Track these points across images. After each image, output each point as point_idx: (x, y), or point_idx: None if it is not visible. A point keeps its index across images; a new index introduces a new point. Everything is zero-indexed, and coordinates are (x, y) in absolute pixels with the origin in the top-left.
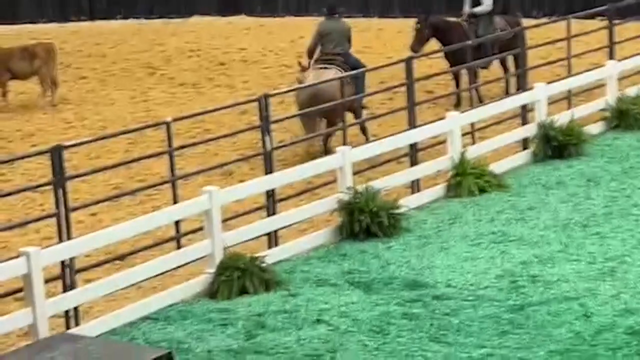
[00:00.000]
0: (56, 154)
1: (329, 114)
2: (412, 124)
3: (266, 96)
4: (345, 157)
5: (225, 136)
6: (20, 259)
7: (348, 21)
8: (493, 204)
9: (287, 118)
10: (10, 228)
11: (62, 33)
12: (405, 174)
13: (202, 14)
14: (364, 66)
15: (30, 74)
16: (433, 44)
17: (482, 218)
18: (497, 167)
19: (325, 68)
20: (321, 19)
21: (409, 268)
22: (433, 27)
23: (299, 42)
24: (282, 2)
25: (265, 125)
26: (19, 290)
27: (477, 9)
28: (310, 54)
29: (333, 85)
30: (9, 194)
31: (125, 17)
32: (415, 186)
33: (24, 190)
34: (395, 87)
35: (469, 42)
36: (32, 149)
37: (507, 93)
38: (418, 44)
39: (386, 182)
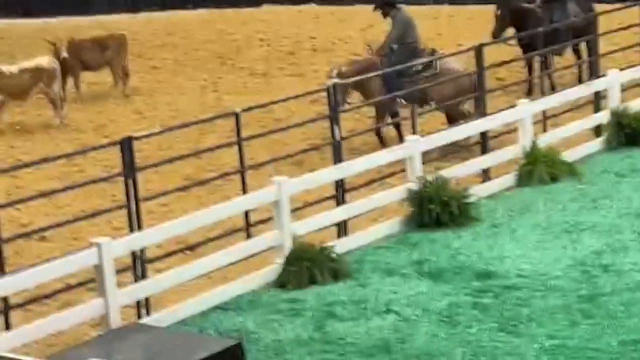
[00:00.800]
0: (127, 145)
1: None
2: (483, 112)
3: (336, 85)
4: (414, 146)
5: (295, 126)
6: (91, 249)
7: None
8: (565, 192)
9: (357, 107)
10: (82, 219)
11: (133, 24)
12: (476, 163)
13: (273, 2)
14: None
15: (102, 65)
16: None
17: (553, 207)
18: (569, 155)
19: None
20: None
21: (479, 258)
22: (513, 12)
23: (369, 30)
24: None
25: (334, 115)
26: (91, 280)
27: None
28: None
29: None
30: (81, 185)
31: (196, 7)
32: (485, 175)
33: (96, 181)
34: (466, 74)
35: (543, 28)
36: (103, 140)
37: (579, 80)
38: (499, 29)
39: (456, 171)
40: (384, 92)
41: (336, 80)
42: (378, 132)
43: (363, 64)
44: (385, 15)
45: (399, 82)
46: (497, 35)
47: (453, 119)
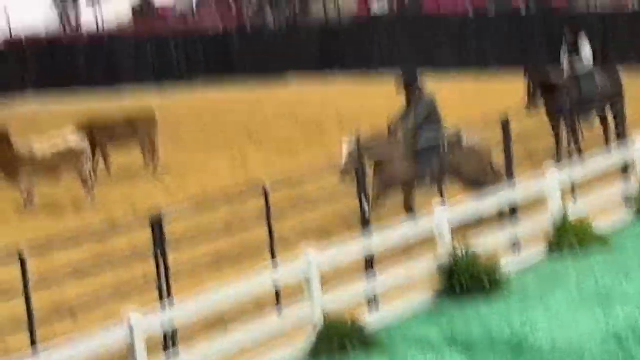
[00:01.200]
0: (157, 221)
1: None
2: (511, 182)
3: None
4: (444, 217)
5: (323, 199)
6: (123, 325)
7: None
8: (596, 262)
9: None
10: (113, 296)
11: (163, 102)
12: (505, 233)
13: (300, 78)
14: None
15: (132, 144)
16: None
17: (585, 277)
18: (599, 224)
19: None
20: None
21: (511, 329)
22: (542, 83)
23: (396, 101)
24: (376, 63)
25: (362, 188)
26: (123, 357)
27: (579, 65)
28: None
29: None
30: (112, 262)
31: (224, 85)
32: (515, 245)
33: (127, 258)
34: (493, 145)
35: (571, 98)
36: (134, 217)
37: (608, 148)
38: (531, 100)
39: (486, 241)
40: (402, 172)
41: (353, 147)
42: (408, 208)
43: (384, 142)
44: (408, 92)
45: (429, 161)
46: (530, 106)
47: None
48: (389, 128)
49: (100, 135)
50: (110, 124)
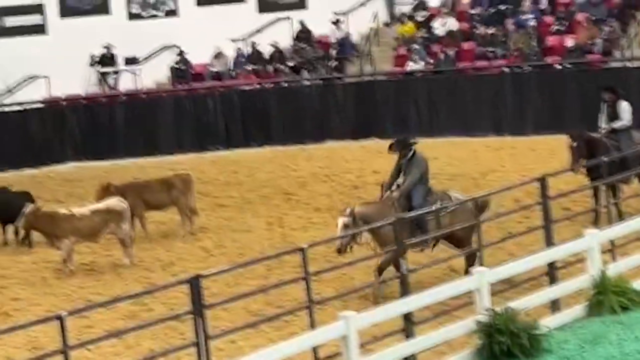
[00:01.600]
0: (195, 283)
1: None
2: (550, 243)
3: (399, 219)
4: (482, 278)
5: (361, 260)
6: None
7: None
8: (637, 322)
9: (421, 240)
10: (151, 358)
11: (200, 163)
12: (545, 294)
13: (336, 138)
14: None
15: (168, 205)
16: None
17: (626, 337)
18: (639, 284)
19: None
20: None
21: None
22: (586, 143)
23: (432, 162)
24: (414, 124)
25: (399, 249)
26: None
27: (617, 125)
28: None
29: None
30: (151, 324)
31: (261, 145)
32: (555, 305)
33: (165, 320)
34: (530, 205)
35: (610, 157)
36: (172, 279)
37: None
38: (576, 162)
39: (525, 302)
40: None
41: (347, 219)
42: (381, 269)
43: (378, 207)
44: (403, 155)
45: (423, 223)
46: (575, 167)
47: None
48: (382, 189)
49: (134, 196)
50: (144, 186)
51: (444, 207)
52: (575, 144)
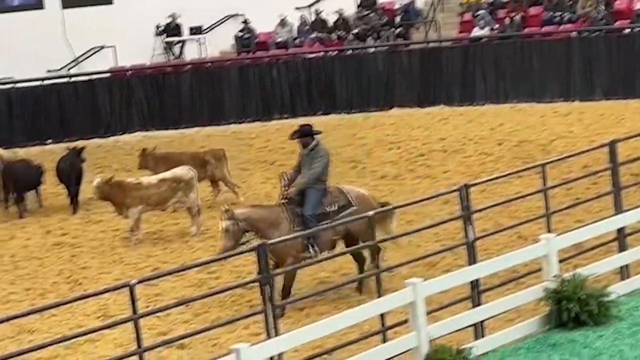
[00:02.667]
0: (262, 251)
1: None
2: (619, 209)
3: (467, 186)
4: (550, 245)
5: (427, 227)
6: (230, 356)
7: None
8: None
9: (489, 207)
10: (220, 326)
11: (265, 131)
12: (614, 260)
13: (401, 106)
14: None
15: (202, 179)
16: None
17: None
18: None
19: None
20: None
21: (622, 358)
22: None
23: (499, 129)
24: (481, 91)
25: (467, 215)
26: None
27: None
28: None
29: None
30: (219, 292)
31: (326, 113)
32: (624, 272)
33: (233, 288)
34: (599, 171)
35: None
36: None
37: None
38: None
39: (594, 269)
40: (289, 242)
41: (227, 223)
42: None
43: (266, 212)
44: (305, 145)
45: (317, 228)
46: None
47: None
48: (280, 180)
49: (166, 167)
50: (177, 160)
51: (340, 210)
52: None
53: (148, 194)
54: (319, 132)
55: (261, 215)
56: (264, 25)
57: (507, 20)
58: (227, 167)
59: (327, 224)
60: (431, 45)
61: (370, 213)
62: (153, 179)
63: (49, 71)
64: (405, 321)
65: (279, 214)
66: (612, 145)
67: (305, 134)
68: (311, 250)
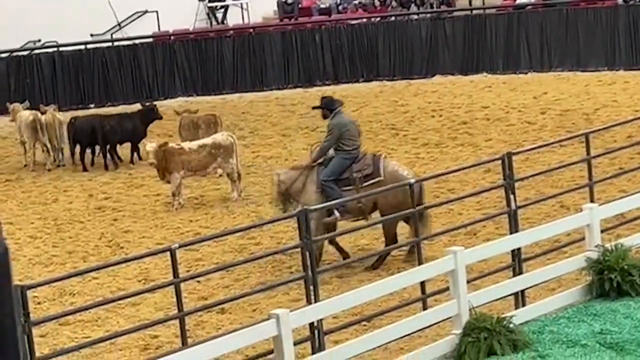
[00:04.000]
0: (303, 216)
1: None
2: None
3: (509, 154)
4: (593, 214)
5: (469, 195)
6: (270, 321)
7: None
8: None
9: (531, 176)
10: (260, 291)
11: (307, 97)
12: None
13: (444, 73)
14: None
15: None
16: None
17: None
18: None
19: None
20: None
21: None
22: None
23: (543, 97)
24: (525, 59)
25: (509, 184)
26: (270, 352)
27: None
28: (324, 153)
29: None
30: (260, 257)
31: (368, 80)
32: None
33: (274, 253)
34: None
35: None
36: (279, 213)
37: None
38: None
39: (637, 239)
40: (320, 202)
41: (274, 186)
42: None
43: (298, 172)
44: (324, 117)
45: (337, 193)
46: None
47: (388, 238)
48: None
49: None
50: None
51: (365, 179)
52: None
53: (189, 159)
54: (335, 106)
55: (291, 177)
56: None
57: None
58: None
59: (350, 189)
60: (475, 12)
61: (381, 189)
62: (194, 144)
63: (92, 35)
64: (446, 289)
65: (306, 177)
66: None
67: (322, 107)
68: (335, 214)
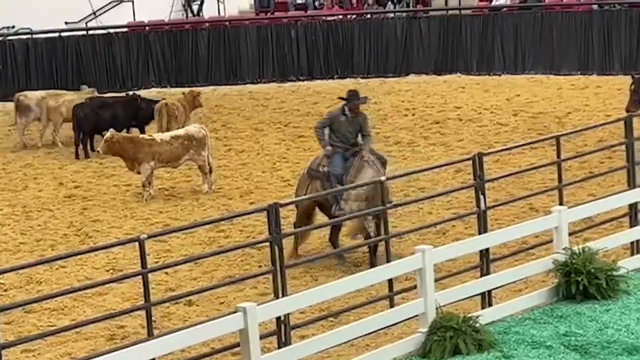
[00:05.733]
0: (273, 211)
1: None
2: (632, 184)
3: (480, 155)
4: (561, 217)
5: (439, 195)
6: (237, 314)
7: None
8: None
9: (502, 177)
10: (228, 284)
11: (280, 92)
12: (625, 235)
13: (418, 72)
14: None
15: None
16: None
17: None
18: None
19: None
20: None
21: (628, 332)
22: None
23: (515, 100)
24: (499, 61)
25: (479, 185)
26: (236, 345)
27: None
28: None
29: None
30: (228, 250)
31: (342, 77)
32: (634, 247)
33: (243, 247)
34: (614, 145)
35: None
36: (250, 207)
37: None
38: (633, 104)
39: (604, 243)
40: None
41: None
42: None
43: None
44: (354, 109)
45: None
46: (630, 109)
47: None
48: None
49: None
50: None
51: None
52: (634, 87)
53: (160, 150)
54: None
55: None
56: None
57: None
58: (178, 123)
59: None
60: (451, 12)
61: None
62: (165, 135)
63: (67, 23)
64: (413, 287)
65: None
66: (628, 119)
67: (348, 99)
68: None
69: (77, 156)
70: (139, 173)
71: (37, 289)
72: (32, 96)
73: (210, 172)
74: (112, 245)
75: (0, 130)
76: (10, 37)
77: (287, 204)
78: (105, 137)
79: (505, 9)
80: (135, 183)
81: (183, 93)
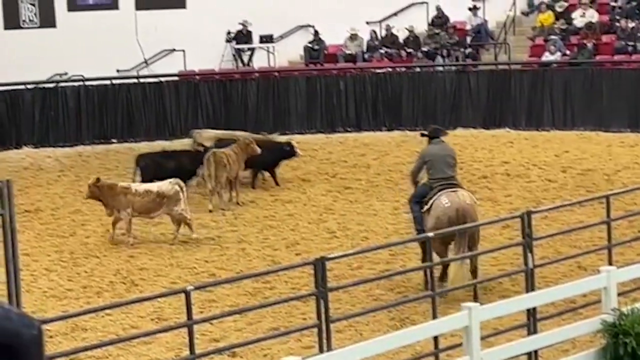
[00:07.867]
0: (320, 265)
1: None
2: None
3: (529, 212)
4: (610, 277)
5: (486, 251)
6: None
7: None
8: None
9: (550, 236)
10: (273, 337)
11: (328, 143)
12: None
13: (467, 126)
14: None
15: None
16: None
17: None
18: None
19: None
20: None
21: None
22: None
23: (564, 156)
24: (548, 116)
25: (527, 242)
26: None
27: None
28: (414, 177)
29: (474, 206)
30: (274, 304)
31: (390, 129)
32: None
33: (288, 300)
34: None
35: None
36: (295, 258)
37: None
38: None
39: None
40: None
41: None
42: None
43: None
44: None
45: (415, 212)
46: None
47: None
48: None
49: None
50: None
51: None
52: None
53: (134, 200)
54: (432, 135)
55: None
56: (333, 37)
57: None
58: (229, 172)
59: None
60: (500, 67)
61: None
62: (141, 187)
63: (118, 71)
64: (460, 344)
65: None
66: None
67: (424, 135)
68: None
69: None
70: (119, 220)
71: (83, 336)
72: None
73: (190, 224)
74: (159, 296)
75: (50, 176)
76: (62, 84)
77: (333, 258)
78: (88, 183)
79: (555, 64)
80: (182, 232)
81: (237, 140)
